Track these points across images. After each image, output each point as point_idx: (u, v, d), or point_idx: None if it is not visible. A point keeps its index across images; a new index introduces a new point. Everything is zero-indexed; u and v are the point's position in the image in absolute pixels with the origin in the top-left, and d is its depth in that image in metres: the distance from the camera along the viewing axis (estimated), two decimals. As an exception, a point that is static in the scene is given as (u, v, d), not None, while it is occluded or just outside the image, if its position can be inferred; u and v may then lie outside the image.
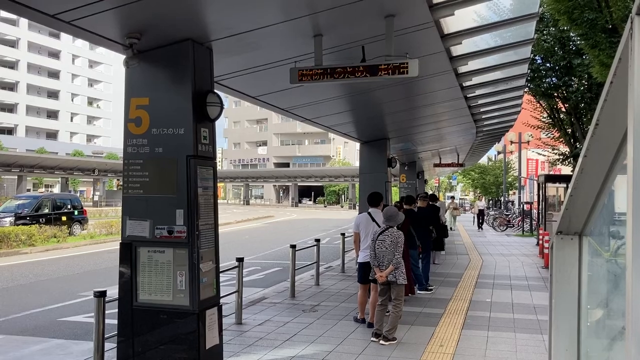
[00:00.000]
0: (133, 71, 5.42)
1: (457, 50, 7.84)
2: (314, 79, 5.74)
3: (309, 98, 8.40)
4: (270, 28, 5.35)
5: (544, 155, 22.08)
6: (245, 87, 7.43)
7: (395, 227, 7.00)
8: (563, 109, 19.60)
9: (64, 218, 24.41)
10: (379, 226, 7.39)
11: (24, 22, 68.30)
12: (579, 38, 10.94)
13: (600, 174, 2.49)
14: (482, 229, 30.11)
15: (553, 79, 18.30)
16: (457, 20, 6.57)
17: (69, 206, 25.43)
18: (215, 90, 5.58)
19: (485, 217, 32.60)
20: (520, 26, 7.63)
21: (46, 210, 24.08)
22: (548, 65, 17.89)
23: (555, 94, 18.95)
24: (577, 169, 2.51)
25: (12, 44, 71.11)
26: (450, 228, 25.63)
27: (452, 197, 34.67)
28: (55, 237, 21.12)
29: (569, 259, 2.99)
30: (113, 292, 5.78)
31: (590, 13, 10.10)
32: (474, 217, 33.80)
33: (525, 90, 13.32)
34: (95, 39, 5.04)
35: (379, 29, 5.60)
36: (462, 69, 8.94)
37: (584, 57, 16.67)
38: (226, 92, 7.32)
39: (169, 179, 5.31)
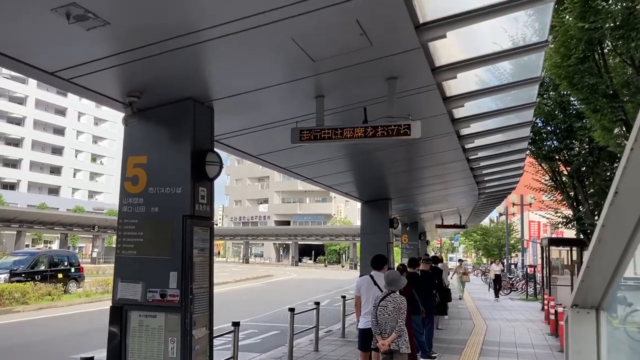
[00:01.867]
0: (132, 129, 5.36)
1: (459, 112, 7.84)
2: (315, 139, 5.67)
3: (310, 157, 8.33)
4: (272, 89, 5.32)
5: (547, 218, 21.88)
6: (246, 146, 7.38)
7: (397, 292, 6.76)
8: (565, 172, 19.57)
9: (60, 275, 24.01)
10: (381, 290, 7.14)
11: (32, 80, 69.73)
12: (579, 102, 11.00)
13: (619, 244, 2.32)
14: (498, 297, 25.91)
15: (554, 142, 18.37)
16: (459, 83, 6.58)
17: (65, 263, 25.08)
18: (215, 149, 5.49)
19: (502, 283, 28.43)
20: (522, 90, 7.65)
21: (42, 267, 23.72)
22: (549, 128, 18.00)
23: (557, 157, 18.98)
24: (594, 239, 2.35)
25: (20, 101, 72.42)
26: (459, 297, 23.74)
27: (461, 261, 29.89)
28: (49, 295, 20.67)
29: (585, 334, 2.79)
30: (103, 355, 5.50)
31: (590, 78, 10.19)
32: (489, 284, 30.21)
33: (527, 152, 13.30)
34: (94, 96, 5.00)
35: (381, 91, 5.57)
36: (464, 131, 8.92)
37: (584, 120, 16.80)
38: (227, 151, 7.27)
39: (164, 240, 5.14)
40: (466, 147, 9.73)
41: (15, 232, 49.53)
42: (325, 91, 5.61)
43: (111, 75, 4.56)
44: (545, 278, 20.71)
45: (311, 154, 8.05)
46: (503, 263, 38.14)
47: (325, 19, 4.07)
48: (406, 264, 10.68)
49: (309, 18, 3.96)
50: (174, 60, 4.43)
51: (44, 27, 3.67)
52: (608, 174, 17.70)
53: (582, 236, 19.08)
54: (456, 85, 6.65)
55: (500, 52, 6.00)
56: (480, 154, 10.83)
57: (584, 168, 17.88)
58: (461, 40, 5.72)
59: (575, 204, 19.03)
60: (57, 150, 78.06)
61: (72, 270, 25.02)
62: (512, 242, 47.01)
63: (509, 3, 4.71)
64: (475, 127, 8.70)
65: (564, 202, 19.59)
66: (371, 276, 7.91)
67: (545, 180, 20.45)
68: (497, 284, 26.68)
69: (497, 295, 26.05)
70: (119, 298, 5.23)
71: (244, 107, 5.80)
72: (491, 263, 38.26)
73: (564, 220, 19.34)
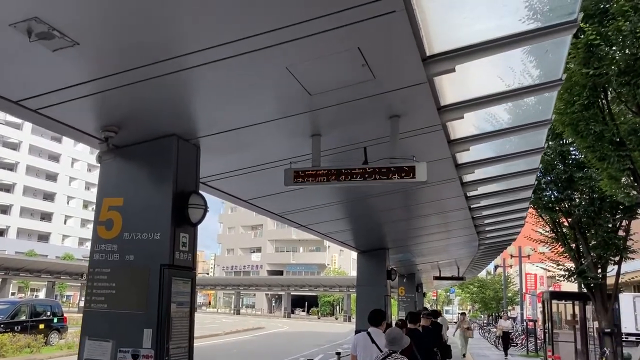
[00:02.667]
0: (107, 167, 4.86)
1: (462, 157, 7.44)
2: (311, 181, 5.18)
3: (305, 203, 7.83)
4: (265, 125, 4.86)
5: (548, 270, 21.23)
6: (235, 189, 6.87)
7: (398, 352, 6.11)
8: (566, 223, 19.09)
9: (41, 326, 22.93)
10: (380, 350, 6.49)
11: (27, 125, 69.70)
12: (584, 150, 10.61)
13: None
14: (507, 357, 22.69)
15: (554, 192, 17.95)
16: (465, 125, 6.18)
17: (48, 313, 24.03)
18: (200, 192, 4.98)
19: (512, 341, 24.80)
20: (531, 133, 7.26)
21: (23, 317, 22.67)
22: (549, 178, 17.60)
23: (557, 208, 18.53)
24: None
25: (14, 146, 72.09)
26: (462, 354, 21.69)
27: (463, 314, 26.07)
28: (29, 347, 19.62)
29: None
30: None
31: (596, 125, 9.83)
32: (496, 340, 27.15)
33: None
34: (65, 130, 4.51)
35: (383, 130, 5.13)
36: (468, 177, 8.51)
37: (585, 170, 16.42)
38: (215, 194, 6.74)
39: (139, 292, 4.55)
40: (469, 194, 9.28)
41: (0, 280, 48.19)
42: (323, 129, 5.16)
43: (84, 106, 4.09)
44: (547, 333, 19.89)
45: (306, 198, 7.54)
46: (513, 318, 34.04)
47: (324, 46, 3.65)
48: (406, 319, 10.00)
49: (305, 44, 3.54)
50: (155, 89, 3.98)
51: (1, 46, 3.21)
52: (610, 225, 17.20)
53: (585, 290, 18.41)
54: (462, 127, 6.28)
55: (511, 91, 5.65)
56: (483, 202, 10.37)
57: (585, 218, 17.41)
58: (469, 77, 5.32)
59: (577, 256, 18.45)
60: (49, 197, 77.21)
61: (55, 320, 23.94)
62: (509, 294, 46.02)
63: (523, 35, 4.37)
64: (479, 173, 8.28)
65: (566, 254, 19.00)
66: (368, 333, 7.26)
67: (546, 232, 19.94)
68: (506, 342, 23.56)
69: (506, 355, 23.22)
70: (85, 359, 4.59)
71: (233, 146, 5.32)
72: (495, 317, 33.65)
73: (566, 273, 18.72)
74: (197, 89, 4.10)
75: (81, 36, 3.17)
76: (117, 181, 4.83)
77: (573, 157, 16.78)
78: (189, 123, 4.68)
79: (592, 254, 17.42)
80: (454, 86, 5.25)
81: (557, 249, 19.32)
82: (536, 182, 13.87)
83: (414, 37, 3.74)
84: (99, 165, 4.88)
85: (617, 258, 17.18)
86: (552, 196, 17.99)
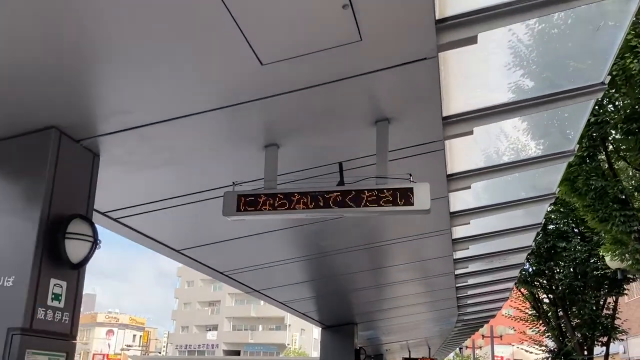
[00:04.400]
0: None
1: (456, 232, 6.73)
2: (263, 209, 3.55)
3: (255, 254, 6.08)
4: (196, 121, 3.28)
5: (530, 352, 19.55)
6: (161, 231, 5.01)
7: None
8: (546, 300, 17.64)
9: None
10: None
11: None
12: (583, 211, 9.28)
13: None
14: None
15: (534, 265, 16.64)
16: (467, 197, 5.67)
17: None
18: (88, 217, 3.29)
19: None
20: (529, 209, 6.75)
21: None
22: (529, 248, 16.32)
23: (538, 282, 17.14)
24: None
25: None
26: None
27: None
28: None
29: None
30: None
31: (597, 180, 8.56)
32: None
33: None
34: None
35: (366, 139, 3.62)
36: (460, 254, 7.69)
37: (569, 240, 15.25)
38: (131, 237, 4.86)
39: (-35, 376, 2.75)
40: (457, 256, 7.78)
41: None
42: (280, 135, 3.64)
43: None
44: None
45: (257, 248, 5.82)
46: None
47: None
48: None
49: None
50: (16, 42, 2.41)
51: None
52: (593, 301, 15.88)
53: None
54: (460, 199, 5.70)
55: (520, 161, 5.25)
56: (472, 268, 8.88)
57: (569, 294, 16.01)
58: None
59: (560, 336, 16.89)
60: None
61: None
62: (478, 378, 43.62)
63: (543, 98, 4.02)
64: (473, 248, 7.63)
65: (549, 334, 17.42)
66: None
67: (527, 310, 18.42)
68: None
69: None
70: None
71: (151, 156, 3.69)
72: None
73: (550, 355, 17.08)
74: (88, 50, 2.54)
75: None
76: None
77: (555, 225, 15.64)
78: (77, 109, 3.07)
79: (577, 333, 15.95)
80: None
81: (539, 328, 17.76)
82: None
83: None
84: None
85: (604, 339, 15.74)
86: (532, 269, 16.70)
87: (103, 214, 4.26)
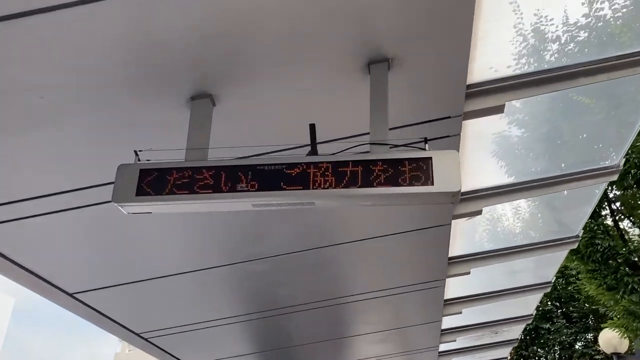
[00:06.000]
0: None
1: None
2: (182, 193, 2.11)
3: (180, 307, 4.44)
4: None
5: None
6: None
7: None
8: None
9: None
10: None
11: None
12: (586, 277, 7.97)
13: None
14: None
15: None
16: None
17: None
18: None
19: None
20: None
21: None
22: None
23: (520, 368, 15.55)
24: None
25: None
26: None
27: None
28: None
29: None
30: None
31: (604, 240, 7.33)
32: None
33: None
34: None
35: (351, 87, 2.30)
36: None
37: (554, 321, 13.92)
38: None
39: None
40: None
41: None
42: (216, 83, 2.28)
43: None
44: None
45: (175, 296, 4.22)
46: None
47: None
48: None
49: None
50: None
51: None
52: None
53: None
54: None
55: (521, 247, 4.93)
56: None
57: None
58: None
59: None
60: None
61: None
62: None
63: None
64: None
65: None
66: None
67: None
68: None
69: None
70: None
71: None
72: None
73: None
74: None
75: None
76: None
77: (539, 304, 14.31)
78: None
79: None
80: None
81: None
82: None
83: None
84: None
85: None
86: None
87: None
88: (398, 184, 2.04)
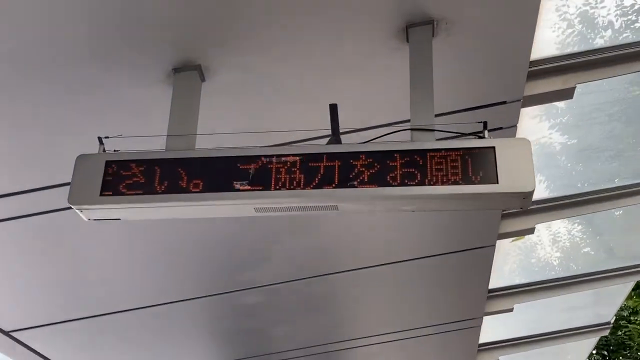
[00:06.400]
0: None
1: None
2: (169, 190, 1.58)
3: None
4: None
5: None
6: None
7: None
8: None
9: None
10: None
11: None
12: (635, 319, 6.88)
13: None
14: None
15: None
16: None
17: None
18: None
19: None
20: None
21: None
22: None
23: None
24: None
25: None
26: None
27: None
28: None
29: None
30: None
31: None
32: None
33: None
34: None
35: (385, 58, 1.78)
36: None
37: None
38: None
39: None
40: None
41: None
42: (207, 47, 1.75)
43: None
44: None
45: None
46: None
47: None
48: None
49: None
50: None
51: None
52: None
53: None
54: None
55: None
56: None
57: None
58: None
59: None
60: None
61: None
62: None
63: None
64: None
65: None
66: None
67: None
68: None
69: None
70: None
71: None
72: None
73: None
74: None
75: None
76: None
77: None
78: None
79: None
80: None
81: None
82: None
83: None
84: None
85: None
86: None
87: None
88: (450, 182, 1.53)
